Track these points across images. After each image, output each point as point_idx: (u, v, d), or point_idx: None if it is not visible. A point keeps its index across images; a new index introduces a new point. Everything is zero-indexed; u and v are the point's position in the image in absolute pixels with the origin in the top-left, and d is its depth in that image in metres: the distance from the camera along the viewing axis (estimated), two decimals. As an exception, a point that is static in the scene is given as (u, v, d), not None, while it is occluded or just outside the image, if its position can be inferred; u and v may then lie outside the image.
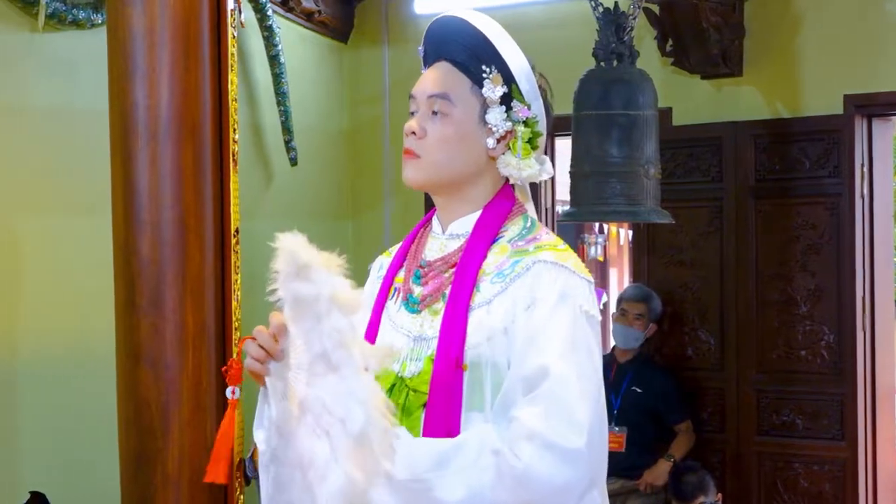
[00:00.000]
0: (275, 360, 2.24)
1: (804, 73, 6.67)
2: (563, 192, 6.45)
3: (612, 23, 5.37)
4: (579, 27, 6.27)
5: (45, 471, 5.20)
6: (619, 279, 18.44)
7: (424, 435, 2.34)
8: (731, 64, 6.69)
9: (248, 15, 6.39)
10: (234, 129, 4.03)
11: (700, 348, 6.90)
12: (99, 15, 5.38)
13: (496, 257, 2.44)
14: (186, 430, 3.75)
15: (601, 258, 18.06)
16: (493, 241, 2.46)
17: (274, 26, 6.66)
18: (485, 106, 2.46)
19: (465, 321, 2.37)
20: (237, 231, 4.04)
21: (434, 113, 2.45)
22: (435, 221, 2.58)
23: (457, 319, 2.37)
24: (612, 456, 6.44)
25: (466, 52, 2.46)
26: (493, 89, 2.45)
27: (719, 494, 5.83)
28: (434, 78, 2.49)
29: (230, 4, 4.00)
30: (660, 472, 6.33)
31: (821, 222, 6.58)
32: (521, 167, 2.48)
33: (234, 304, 3.87)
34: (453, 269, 2.45)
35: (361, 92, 7.69)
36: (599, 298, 12.71)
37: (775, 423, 6.71)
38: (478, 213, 2.50)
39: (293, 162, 7.00)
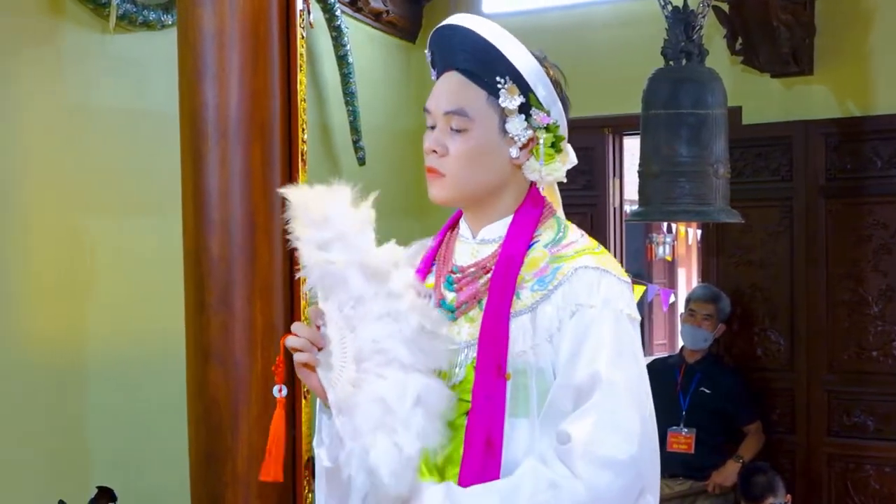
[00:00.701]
0: (318, 348, 2.24)
1: (876, 71, 6.61)
2: (631, 191, 6.43)
3: (682, 21, 5.33)
4: (648, 26, 6.24)
5: (115, 467, 5.25)
6: (688, 279, 18.38)
7: (466, 442, 2.32)
8: (802, 62, 6.64)
9: (317, 15, 6.41)
10: (303, 129, 4.04)
11: (770, 349, 6.86)
12: (169, 16, 5.42)
13: (534, 263, 2.41)
14: (255, 428, 3.76)
15: (669, 258, 18.02)
16: (529, 246, 2.43)
17: (342, 26, 6.68)
18: (503, 116, 2.40)
19: (507, 328, 2.34)
20: (305, 230, 4.05)
21: (452, 128, 2.40)
22: (464, 225, 2.54)
23: (497, 326, 2.34)
24: (681, 457, 6.45)
25: (478, 63, 2.39)
26: (510, 100, 2.38)
27: (788, 496, 5.78)
28: (448, 92, 2.43)
29: (299, 5, 4.01)
30: (728, 473, 6.29)
31: (893, 222, 6.52)
32: (546, 172, 2.45)
33: (302, 302, 3.89)
34: (488, 275, 2.41)
35: (429, 91, 7.65)
36: (667, 298, 12.60)
37: (846, 425, 6.66)
38: (508, 218, 2.47)
39: (361, 161, 7.02)
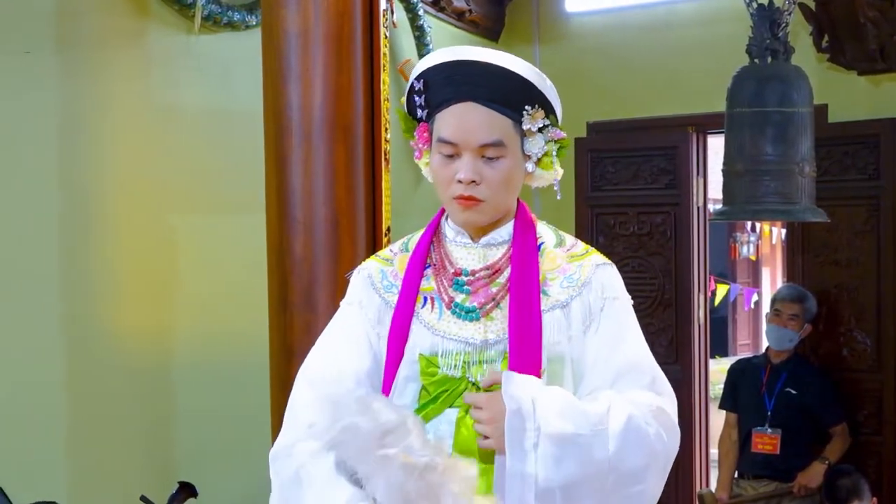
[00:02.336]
0: None
1: (965, 68, 6.53)
2: (715, 189, 6.38)
3: (767, 19, 5.29)
4: (732, 24, 6.21)
5: (199, 466, 5.29)
6: (772, 278, 18.21)
7: None
8: (889, 59, 6.56)
9: (400, 15, 6.43)
10: (386, 129, 4.06)
11: (856, 349, 6.78)
12: (253, 17, 5.45)
13: (551, 262, 2.63)
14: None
15: (753, 257, 17.86)
16: (538, 248, 2.64)
17: (425, 26, 6.69)
18: (523, 137, 2.55)
19: (540, 323, 2.53)
20: (388, 229, 4.07)
21: (485, 157, 2.52)
22: (454, 230, 2.68)
23: (529, 322, 2.53)
24: (766, 457, 6.38)
25: (507, 94, 2.50)
26: (534, 123, 2.53)
27: (874, 499, 5.71)
28: (481, 125, 2.50)
29: (382, 5, 4.03)
30: (814, 475, 6.22)
31: (982, 220, 6.44)
32: (553, 176, 2.64)
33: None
34: (501, 276, 2.60)
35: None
36: (750, 298, 12.51)
37: (934, 427, 6.58)
38: (509, 223, 2.65)
39: (443, 160, 7.03)
